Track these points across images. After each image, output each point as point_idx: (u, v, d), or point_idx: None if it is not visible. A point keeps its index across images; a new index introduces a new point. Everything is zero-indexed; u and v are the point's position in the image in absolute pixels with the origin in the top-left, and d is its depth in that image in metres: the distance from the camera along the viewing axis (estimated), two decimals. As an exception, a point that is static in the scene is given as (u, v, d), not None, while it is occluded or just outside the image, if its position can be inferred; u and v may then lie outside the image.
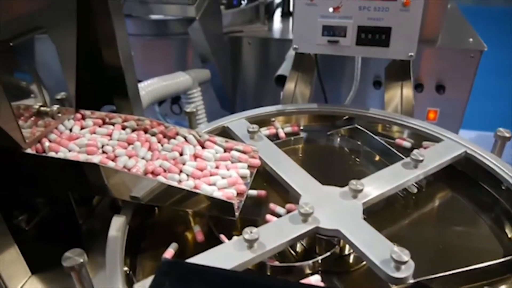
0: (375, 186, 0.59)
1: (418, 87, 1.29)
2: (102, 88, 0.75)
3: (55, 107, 0.60)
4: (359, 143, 0.79)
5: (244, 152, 0.62)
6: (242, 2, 1.46)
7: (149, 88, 0.95)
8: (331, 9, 0.75)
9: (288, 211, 0.60)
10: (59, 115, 0.60)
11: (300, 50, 0.79)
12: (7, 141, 0.54)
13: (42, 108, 0.59)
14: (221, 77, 1.24)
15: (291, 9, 1.49)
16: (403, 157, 0.69)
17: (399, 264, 0.45)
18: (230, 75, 1.34)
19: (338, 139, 0.81)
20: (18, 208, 0.63)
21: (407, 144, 0.77)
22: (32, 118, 0.56)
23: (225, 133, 0.75)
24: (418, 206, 0.65)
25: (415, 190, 0.66)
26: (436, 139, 0.73)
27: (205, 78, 1.14)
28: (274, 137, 0.80)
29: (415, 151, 0.63)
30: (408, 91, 0.88)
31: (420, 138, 0.76)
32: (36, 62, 0.58)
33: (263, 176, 0.66)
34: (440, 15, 1.15)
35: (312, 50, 0.79)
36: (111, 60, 0.72)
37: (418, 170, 0.62)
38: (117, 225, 0.54)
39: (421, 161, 0.62)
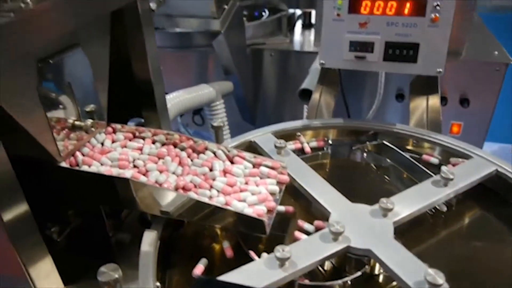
0: (405, 204, 0.59)
1: (442, 100, 1.27)
2: (130, 100, 0.76)
3: (89, 121, 0.61)
4: (385, 158, 0.79)
5: (273, 168, 0.62)
6: (263, 14, 1.47)
7: (175, 101, 0.96)
8: (358, 25, 0.75)
9: (317, 228, 0.60)
10: (93, 129, 0.62)
11: (327, 65, 0.80)
12: (43, 154, 0.55)
13: (76, 122, 0.60)
14: (243, 89, 1.25)
15: (312, 21, 1.50)
16: (431, 174, 0.68)
17: (433, 287, 0.44)
18: (252, 86, 1.35)
19: (364, 155, 0.81)
20: (50, 220, 0.64)
21: (434, 160, 0.76)
22: (67, 132, 0.58)
23: (252, 147, 0.75)
24: (448, 225, 0.64)
25: (445, 209, 0.65)
26: (464, 156, 0.72)
27: (228, 90, 1.15)
28: (299, 152, 0.80)
29: (444, 169, 0.63)
30: (434, 105, 0.88)
31: (447, 154, 0.75)
32: (71, 76, 0.59)
33: (289, 191, 0.67)
34: (466, 27, 1.14)
35: (339, 65, 0.79)
36: (141, 73, 0.73)
37: (448, 188, 0.62)
38: (149, 240, 0.55)
39: (451, 179, 0.62)
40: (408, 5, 0.72)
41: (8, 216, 0.45)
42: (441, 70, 0.75)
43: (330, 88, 0.94)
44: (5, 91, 0.44)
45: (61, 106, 0.58)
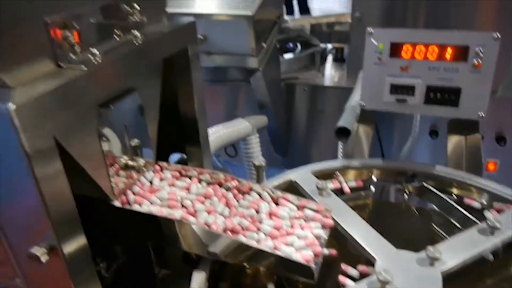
0: (453, 253, 0.58)
1: (477, 137, 1.26)
2: (174, 136, 0.79)
3: (141, 161, 0.64)
4: (426, 201, 0.79)
5: (317, 211, 0.63)
6: (296, 47, 1.50)
7: (214, 136, 0.99)
8: (399, 69, 0.76)
9: (361, 274, 0.60)
10: (144, 169, 0.64)
11: (367, 107, 0.81)
12: (97, 193, 0.58)
13: (129, 162, 0.63)
14: (277, 122, 1.27)
15: (343, 55, 1.52)
16: (476, 220, 0.68)
17: None
18: (284, 120, 1.37)
19: (405, 196, 0.81)
20: (99, 255, 0.66)
21: (476, 204, 0.75)
22: (120, 171, 0.60)
23: (293, 187, 0.76)
24: (495, 275, 0.63)
25: (491, 257, 0.64)
26: (509, 201, 0.71)
27: (263, 125, 1.17)
28: (338, 191, 0.80)
29: (490, 217, 0.62)
30: (475, 146, 0.87)
31: (491, 198, 0.74)
32: (125, 117, 0.62)
33: (330, 233, 0.67)
34: (504, 66, 1.14)
35: (380, 107, 0.80)
36: (187, 110, 0.76)
37: (496, 237, 0.61)
38: (199, 282, 0.56)
39: (498, 228, 0.61)
40: (449, 50, 0.73)
41: (67, 249, 0.48)
42: (483, 114, 0.75)
43: (367, 127, 0.94)
44: (71, 136, 0.46)
45: (115, 146, 0.61)
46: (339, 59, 1.50)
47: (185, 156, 0.84)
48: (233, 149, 1.34)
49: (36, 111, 0.40)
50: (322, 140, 1.42)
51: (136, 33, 0.57)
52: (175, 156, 0.85)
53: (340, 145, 1.11)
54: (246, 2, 0.98)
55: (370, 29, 0.75)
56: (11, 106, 0.38)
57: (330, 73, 1.42)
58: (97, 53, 0.50)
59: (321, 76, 1.38)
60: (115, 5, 0.56)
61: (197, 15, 0.97)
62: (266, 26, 1.08)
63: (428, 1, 1.14)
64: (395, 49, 0.75)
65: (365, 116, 0.92)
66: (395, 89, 0.77)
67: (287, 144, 1.44)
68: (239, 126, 1.08)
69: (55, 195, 0.45)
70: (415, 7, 1.18)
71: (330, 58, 1.55)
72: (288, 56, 1.40)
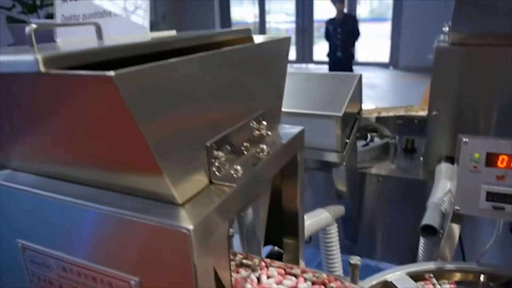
0: None
1: None
2: (274, 230, 0.84)
3: (256, 259, 0.68)
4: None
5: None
6: (368, 137, 1.56)
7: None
8: (495, 178, 0.79)
9: None
10: (259, 267, 0.69)
11: (462, 211, 0.83)
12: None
13: (244, 261, 0.67)
14: (352, 212, 1.30)
15: (414, 146, 1.56)
16: None
17: None
18: (358, 208, 1.39)
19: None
20: None
21: None
22: (236, 269, 0.65)
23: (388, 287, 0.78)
24: None
25: None
26: None
27: (340, 214, 1.20)
28: (433, 295, 0.80)
29: None
30: None
31: None
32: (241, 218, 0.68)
33: None
34: None
35: (475, 213, 0.82)
36: (289, 205, 0.81)
37: None
38: None
39: None
40: (546, 161, 0.76)
41: None
42: None
43: (454, 227, 0.95)
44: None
45: (232, 245, 0.67)
46: (409, 150, 1.53)
47: (276, 248, 0.88)
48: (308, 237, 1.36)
49: (204, 229, 0.47)
50: (391, 229, 1.42)
51: (263, 146, 0.64)
52: (267, 248, 0.89)
53: (421, 242, 1.11)
54: (336, 101, 1.06)
55: (465, 139, 0.80)
56: (190, 226, 0.44)
57: (404, 165, 1.45)
58: (239, 168, 0.57)
59: (395, 167, 1.41)
60: (247, 123, 0.64)
61: (289, 113, 1.06)
62: (350, 122, 1.15)
63: (499, 107, 1.17)
64: (491, 159, 0.79)
65: (455, 216, 0.93)
66: (492, 196, 0.79)
67: (358, 232, 1.45)
68: (320, 217, 1.12)
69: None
70: (488, 108, 1.21)
71: (400, 147, 1.59)
72: (362, 146, 1.46)
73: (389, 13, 8.44)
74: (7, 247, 0.60)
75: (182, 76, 0.47)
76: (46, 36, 0.65)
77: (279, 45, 0.71)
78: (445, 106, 1.21)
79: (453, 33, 1.13)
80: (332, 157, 1.09)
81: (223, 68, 0.55)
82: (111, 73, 0.37)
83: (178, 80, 0.46)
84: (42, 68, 0.40)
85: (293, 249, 0.84)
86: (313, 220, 1.09)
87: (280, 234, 0.85)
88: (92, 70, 0.38)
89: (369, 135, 1.56)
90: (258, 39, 0.75)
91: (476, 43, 1.12)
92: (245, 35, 0.74)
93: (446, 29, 1.27)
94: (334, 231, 1.17)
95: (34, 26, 0.61)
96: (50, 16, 3.11)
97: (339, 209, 1.20)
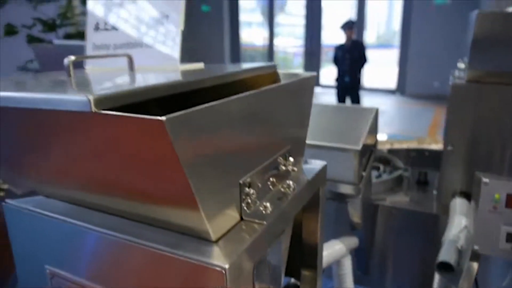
0: None
1: None
2: (291, 261, 0.84)
3: (278, 296, 0.68)
4: None
5: None
6: (380, 169, 1.56)
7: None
8: (516, 219, 0.80)
9: None
10: (282, 304, 0.69)
11: (482, 251, 0.83)
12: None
13: (267, 295, 0.67)
14: (365, 243, 1.29)
15: (427, 178, 1.56)
16: None
17: None
18: (371, 240, 1.39)
19: None
20: None
21: None
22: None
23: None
24: None
25: None
26: None
27: (354, 246, 1.20)
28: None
29: None
30: None
31: None
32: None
33: None
34: None
35: (495, 253, 0.82)
36: (310, 237, 0.82)
37: None
38: None
39: None
40: None
41: None
42: None
43: (472, 264, 0.95)
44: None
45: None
46: (422, 182, 1.54)
47: (292, 280, 0.88)
48: (319, 266, 1.36)
49: (237, 267, 0.47)
50: (403, 262, 1.42)
51: (290, 182, 0.65)
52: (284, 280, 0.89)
53: (436, 277, 1.10)
54: (354, 134, 1.07)
55: (485, 179, 0.80)
56: (226, 265, 0.45)
57: (417, 197, 1.45)
58: (269, 205, 0.58)
59: (408, 200, 1.41)
60: (275, 159, 0.65)
61: (307, 145, 1.07)
62: (366, 154, 1.16)
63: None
64: (511, 201, 0.79)
65: (474, 255, 0.93)
66: (512, 238, 0.80)
67: (369, 262, 1.45)
68: (335, 248, 1.12)
69: None
70: (503, 145, 1.22)
71: (413, 180, 1.59)
72: (375, 177, 1.47)
73: (395, 40, 8.57)
74: (36, 273, 0.61)
75: (222, 117, 0.48)
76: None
77: (306, 83, 0.73)
78: (460, 141, 1.23)
79: (470, 70, 1.15)
80: (349, 189, 1.09)
81: (257, 107, 0.57)
82: (163, 118, 0.38)
83: (219, 121, 0.48)
84: (93, 109, 0.42)
85: (310, 281, 0.84)
86: (328, 251, 1.09)
87: (298, 265, 0.85)
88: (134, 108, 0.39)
89: (381, 167, 1.57)
90: (283, 75, 0.77)
91: (493, 81, 1.14)
92: (271, 71, 0.77)
93: (461, 65, 1.29)
94: (348, 263, 1.17)
95: (72, 58, 0.63)
96: (68, 36, 3.19)
97: (353, 241, 1.20)
